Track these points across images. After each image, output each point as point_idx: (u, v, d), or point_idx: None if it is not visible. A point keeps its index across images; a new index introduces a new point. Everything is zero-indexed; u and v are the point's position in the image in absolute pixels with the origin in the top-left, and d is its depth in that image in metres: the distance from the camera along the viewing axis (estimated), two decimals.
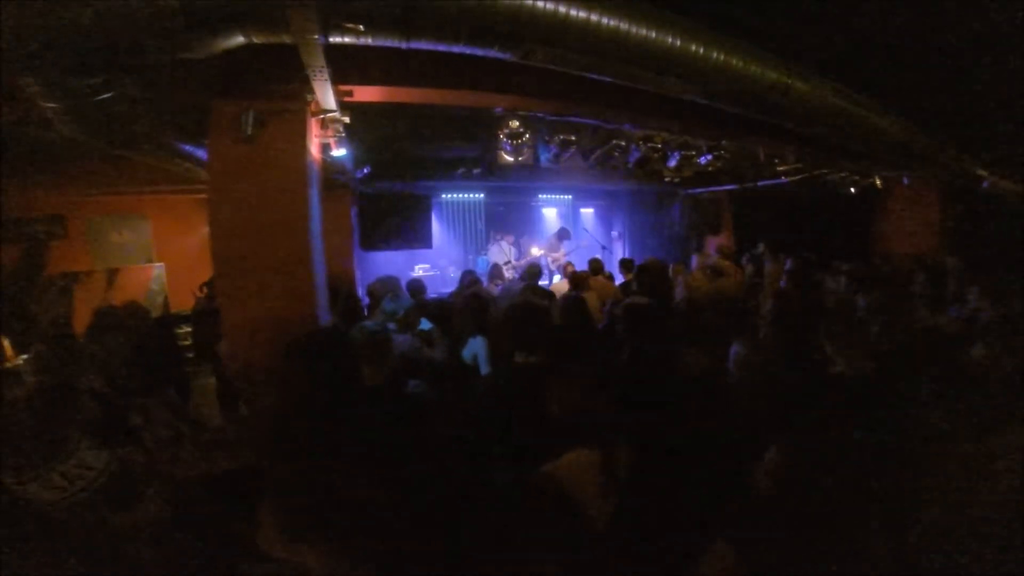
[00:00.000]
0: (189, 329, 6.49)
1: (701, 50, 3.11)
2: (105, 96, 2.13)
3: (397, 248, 7.79)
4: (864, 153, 5.61)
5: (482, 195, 9.74)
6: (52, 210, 7.08)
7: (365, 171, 6.34)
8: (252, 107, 2.79)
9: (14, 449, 1.49)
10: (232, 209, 2.88)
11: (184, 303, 7.62)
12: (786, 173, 6.83)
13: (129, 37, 1.86)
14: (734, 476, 1.80)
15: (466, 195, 9.66)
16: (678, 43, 2.99)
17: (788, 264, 6.13)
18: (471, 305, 3.93)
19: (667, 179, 7.08)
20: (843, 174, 7.18)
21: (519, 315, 2.49)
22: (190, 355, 5.78)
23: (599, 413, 1.72)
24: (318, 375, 1.97)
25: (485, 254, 9.11)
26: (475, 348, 3.57)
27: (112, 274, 7.44)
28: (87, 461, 1.50)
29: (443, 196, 9.39)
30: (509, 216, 10.21)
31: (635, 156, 5.66)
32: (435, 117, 5.67)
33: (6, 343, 6.12)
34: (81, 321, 6.91)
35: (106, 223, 7.63)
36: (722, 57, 3.22)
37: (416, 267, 9.14)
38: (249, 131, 2.76)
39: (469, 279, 5.55)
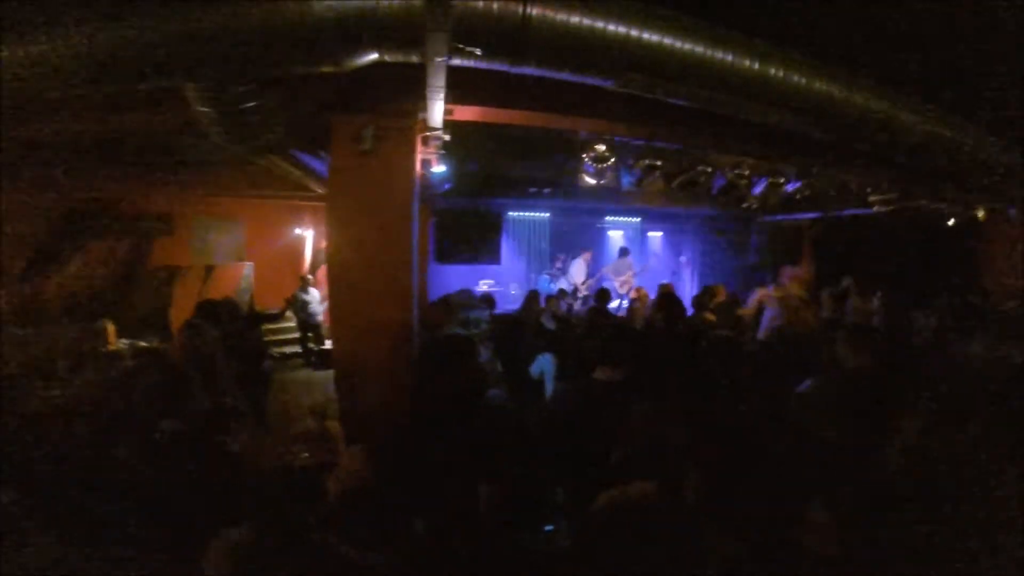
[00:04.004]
0: (273, 326, 6.92)
1: (803, 80, 3.08)
2: (250, 105, 2.34)
3: (469, 262, 8.00)
4: (966, 184, 5.27)
5: (547, 214, 9.83)
6: (162, 210, 7.69)
7: (446, 187, 6.55)
8: (372, 122, 2.97)
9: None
10: (348, 214, 3.12)
11: (267, 300, 8.12)
12: (879, 203, 6.50)
13: (282, 49, 2.04)
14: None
15: (532, 214, 9.76)
16: (780, 74, 2.97)
17: (875, 301, 5.82)
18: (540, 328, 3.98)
19: (746, 205, 6.90)
20: (942, 205, 6.75)
21: (607, 333, 2.51)
22: (273, 352, 6.13)
23: (675, 440, 1.70)
24: (450, 377, 2.04)
25: (550, 273, 9.15)
26: (543, 365, 3.62)
27: (208, 270, 8.06)
28: None
29: (509, 214, 9.51)
30: (574, 236, 10.20)
31: (720, 182, 5.56)
32: (514, 137, 5.80)
33: (110, 327, 6.67)
34: (179, 311, 7.51)
35: (206, 224, 8.25)
36: (823, 87, 3.16)
37: (480, 282, 9.30)
38: (368, 145, 2.95)
39: (534, 299, 5.61)
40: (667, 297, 3.95)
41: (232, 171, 5.89)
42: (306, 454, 3.23)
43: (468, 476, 1.89)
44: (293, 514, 1.47)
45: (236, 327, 4.80)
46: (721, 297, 5.47)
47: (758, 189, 5.84)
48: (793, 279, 7.24)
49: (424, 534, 1.55)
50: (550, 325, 4.94)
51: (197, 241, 8.21)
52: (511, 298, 8.82)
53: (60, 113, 2.82)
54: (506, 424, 2.38)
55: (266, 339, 7.05)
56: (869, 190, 6.27)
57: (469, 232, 7.67)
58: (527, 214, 9.73)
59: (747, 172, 5.45)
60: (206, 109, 2.30)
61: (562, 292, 6.79)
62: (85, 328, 6.44)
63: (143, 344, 6.45)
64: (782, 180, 5.67)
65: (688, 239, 10.80)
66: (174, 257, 7.93)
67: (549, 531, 2.48)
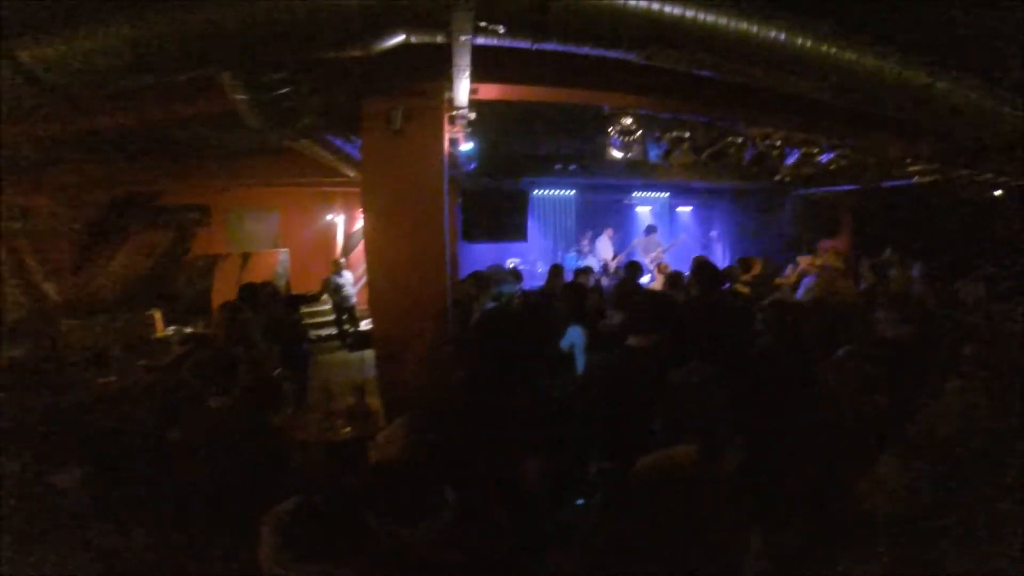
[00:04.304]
0: (309, 309, 7.16)
1: (833, 51, 2.97)
2: (285, 91, 2.42)
3: (496, 240, 8.04)
4: (1008, 154, 5.02)
5: (573, 192, 9.78)
6: (200, 201, 8.00)
7: (471, 166, 6.58)
8: (400, 104, 3.03)
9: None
10: (381, 193, 3.23)
11: (302, 285, 8.38)
12: (919, 174, 6.24)
13: (312, 35, 2.10)
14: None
15: (557, 191, 9.73)
16: (808, 44, 2.87)
17: (915, 270, 5.65)
18: (571, 295, 3.99)
19: (778, 178, 6.72)
20: (987, 175, 6.45)
21: (640, 299, 2.54)
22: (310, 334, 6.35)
23: (715, 404, 1.68)
24: (503, 346, 2.08)
25: (577, 250, 9.13)
26: (573, 337, 3.61)
27: (246, 257, 8.40)
28: None
29: (534, 192, 9.48)
30: (600, 213, 10.15)
31: (751, 153, 5.43)
32: (538, 114, 5.77)
33: (158, 316, 6.99)
34: (219, 297, 7.85)
35: (242, 213, 8.57)
36: (854, 56, 3.05)
37: (508, 260, 9.34)
38: (398, 125, 3.03)
39: (558, 273, 5.64)
40: (702, 266, 3.91)
41: (265, 161, 6.07)
42: (347, 429, 3.38)
43: (510, 449, 1.93)
44: (338, 486, 1.54)
45: (276, 308, 5.02)
46: (757, 269, 5.40)
47: (791, 160, 5.68)
48: (831, 250, 7.08)
49: (465, 505, 1.59)
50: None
51: (234, 230, 8.54)
52: (538, 275, 8.85)
53: (102, 108, 2.95)
54: (546, 397, 2.43)
55: (304, 322, 7.35)
56: (909, 161, 6.02)
57: (495, 210, 7.68)
58: (553, 192, 9.70)
59: (779, 143, 5.30)
60: (243, 96, 2.39)
61: (587, 268, 6.77)
62: (134, 317, 6.77)
63: (188, 330, 6.73)
64: (816, 151, 5.50)
65: (718, 213, 10.60)
66: (213, 246, 8.28)
67: (581, 505, 2.54)
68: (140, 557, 1.88)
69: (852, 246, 8.53)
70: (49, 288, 6.99)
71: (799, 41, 2.84)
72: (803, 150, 5.49)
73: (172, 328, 6.81)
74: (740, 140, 5.33)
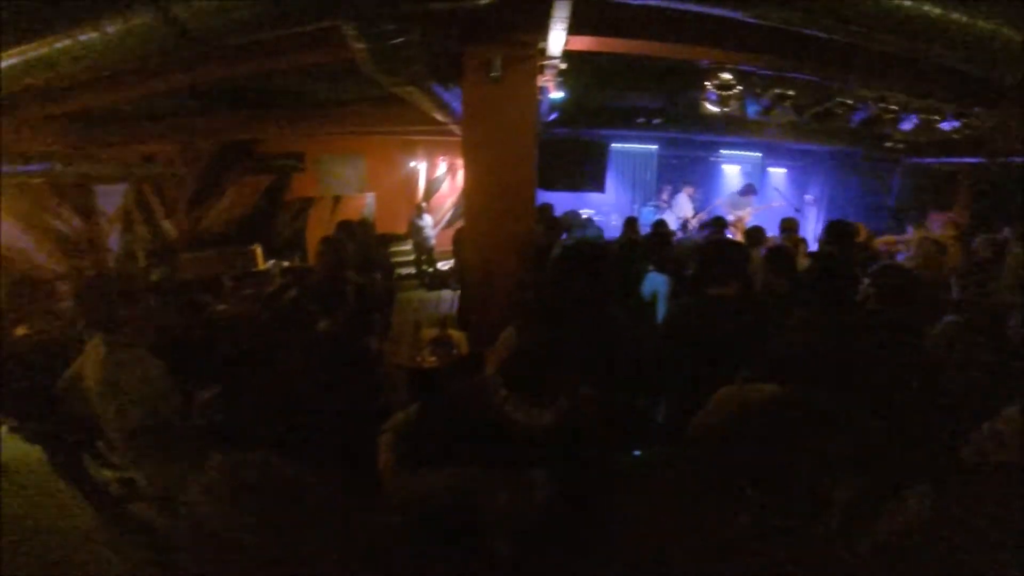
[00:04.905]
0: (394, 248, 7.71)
1: (964, 19, 2.66)
2: (399, 40, 2.55)
3: (573, 190, 8.04)
4: None
5: (655, 146, 9.48)
6: (295, 148, 8.63)
7: (553, 116, 6.53)
8: (499, 53, 3.13)
9: None
10: (480, 137, 3.47)
11: (386, 227, 9.00)
12: None
13: None
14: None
15: (638, 145, 9.46)
16: (937, 10, 2.59)
17: None
18: (655, 242, 3.96)
19: (890, 144, 6.18)
20: None
21: (718, 248, 2.52)
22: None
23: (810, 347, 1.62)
24: (580, 279, 2.13)
25: (655, 205, 8.93)
26: (656, 284, 3.58)
27: (336, 200, 9.06)
28: None
29: (614, 145, 9.19)
30: (683, 170, 9.76)
31: (861, 116, 5.03)
32: (623, 65, 5.58)
33: (259, 250, 7.65)
34: (313, 235, 8.45)
35: (332, 159, 9.07)
36: (969, 19, 2.71)
37: (582, 211, 9.27)
38: (497, 73, 3.15)
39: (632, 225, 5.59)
40: (836, 225, 3.87)
41: (355, 111, 6.40)
42: (433, 358, 3.66)
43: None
44: (451, 394, 1.64)
45: (371, 244, 5.41)
46: (863, 235, 5.11)
47: (907, 125, 5.20)
48: (948, 223, 6.50)
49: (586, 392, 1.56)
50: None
51: (326, 175, 9.07)
52: (611, 228, 8.74)
53: (236, 56, 3.22)
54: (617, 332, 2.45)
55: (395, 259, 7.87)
56: None
57: (574, 160, 7.64)
58: (634, 145, 9.44)
59: (894, 107, 4.85)
60: (362, 46, 2.54)
61: (661, 222, 6.63)
62: (239, 251, 7.47)
63: (285, 264, 7.37)
64: (936, 118, 4.98)
65: (816, 178, 9.88)
66: (307, 189, 8.92)
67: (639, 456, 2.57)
68: (261, 470, 1.93)
69: (968, 222, 7.77)
70: (168, 225, 7.90)
71: (925, 8, 2.59)
72: (922, 116, 4.99)
73: (271, 262, 7.47)
74: (849, 101, 4.93)
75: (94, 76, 2.86)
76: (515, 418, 1.36)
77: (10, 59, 2.56)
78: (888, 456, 1.37)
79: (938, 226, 6.92)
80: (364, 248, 5.22)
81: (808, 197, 9.89)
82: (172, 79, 3.72)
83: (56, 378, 2.04)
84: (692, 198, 8.67)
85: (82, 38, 2.36)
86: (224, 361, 2.81)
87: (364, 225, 5.60)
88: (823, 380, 1.48)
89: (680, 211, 8.48)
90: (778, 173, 10.02)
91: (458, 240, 4.68)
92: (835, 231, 4.02)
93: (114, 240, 7.19)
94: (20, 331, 3.97)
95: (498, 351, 1.69)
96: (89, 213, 6.76)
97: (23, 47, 2.48)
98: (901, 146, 6.27)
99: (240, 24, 2.21)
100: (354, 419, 2.20)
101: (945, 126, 5.11)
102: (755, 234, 4.82)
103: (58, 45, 2.43)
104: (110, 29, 2.32)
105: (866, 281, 2.51)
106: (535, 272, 3.45)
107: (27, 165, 4.81)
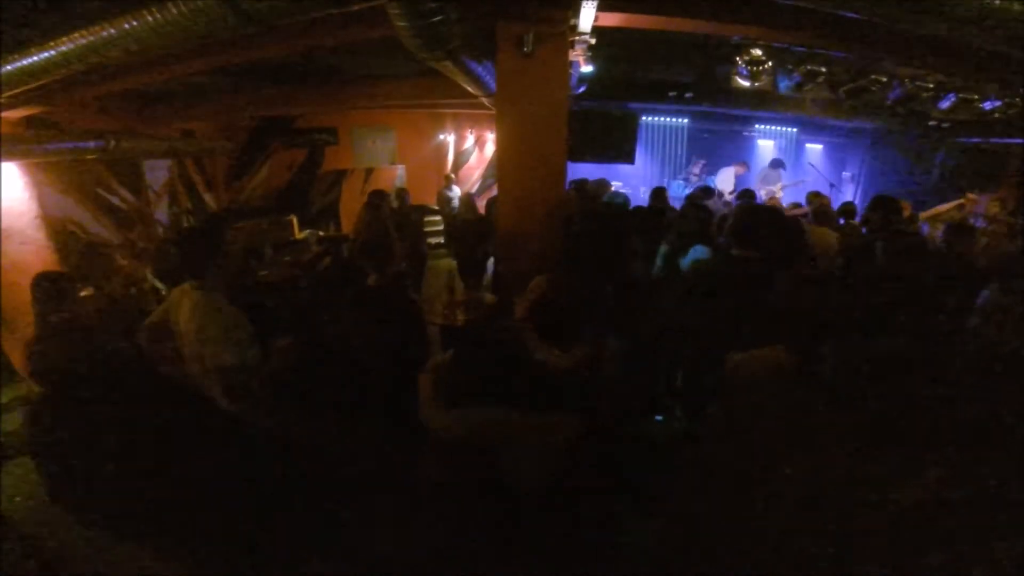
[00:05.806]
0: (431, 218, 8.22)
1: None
2: (438, 19, 2.68)
3: (602, 161, 8.05)
4: None
5: (685, 120, 9.46)
6: (328, 123, 8.95)
7: (581, 89, 6.54)
8: (531, 28, 3.24)
9: None
10: (513, 108, 3.62)
11: (417, 198, 9.01)
12: None
13: None
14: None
15: (669, 119, 9.47)
16: None
17: None
18: (696, 214, 3.98)
19: (932, 123, 6.02)
20: None
21: (747, 213, 2.62)
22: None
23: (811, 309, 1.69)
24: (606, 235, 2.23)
25: (685, 178, 8.90)
26: (698, 255, 3.62)
27: (368, 172, 9.38)
28: None
29: (645, 118, 9.26)
30: (715, 143, 9.72)
31: (896, 94, 4.93)
32: (653, 40, 5.55)
33: (294, 220, 7.94)
34: (346, 206, 8.83)
35: (364, 132, 9.34)
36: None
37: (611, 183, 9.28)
38: (530, 47, 3.26)
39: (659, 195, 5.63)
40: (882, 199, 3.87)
41: (387, 86, 6.55)
42: (463, 317, 3.88)
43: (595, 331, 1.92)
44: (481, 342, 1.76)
45: (407, 211, 5.65)
46: (907, 212, 5.05)
47: (945, 104, 5.07)
48: (996, 199, 6.33)
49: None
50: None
51: (358, 148, 9.36)
52: (639, 199, 8.74)
53: (285, 35, 3.37)
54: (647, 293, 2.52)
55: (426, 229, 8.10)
56: None
57: (603, 131, 7.61)
58: (664, 119, 9.46)
59: (931, 85, 4.74)
60: (403, 24, 2.68)
61: (707, 189, 6.61)
62: (277, 221, 7.77)
63: (320, 233, 7.68)
64: (976, 97, 4.85)
65: (855, 155, 9.65)
66: (340, 162, 9.23)
67: (659, 421, 2.68)
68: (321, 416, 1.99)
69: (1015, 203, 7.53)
70: (208, 197, 8.26)
71: None
72: (961, 95, 4.87)
73: (307, 231, 7.77)
74: (884, 79, 4.84)
75: (153, 56, 3.06)
76: (538, 359, 1.47)
77: (81, 39, 2.78)
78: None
79: (982, 207, 6.75)
80: (401, 214, 5.53)
81: (846, 174, 9.69)
82: (227, 58, 3.88)
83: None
84: (739, 176, 8.59)
85: (149, 19, 2.55)
86: (289, 314, 2.99)
87: (402, 192, 5.84)
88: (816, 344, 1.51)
89: (721, 186, 8.44)
90: (815, 149, 9.83)
91: (490, 209, 4.83)
92: (880, 204, 3.95)
93: (160, 213, 7.57)
94: (85, 292, 4.29)
95: (527, 297, 1.78)
96: (138, 188, 7.11)
97: (93, 28, 2.69)
98: (946, 125, 6.08)
99: (295, 4, 2.36)
100: (402, 364, 2.30)
101: (987, 105, 4.98)
102: (823, 213, 4.80)
103: (125, 26, 2.64)
104: (173, 11, 2.51)
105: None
106: (566, 231, 3.64)
107: (83, 142, 5.07)
